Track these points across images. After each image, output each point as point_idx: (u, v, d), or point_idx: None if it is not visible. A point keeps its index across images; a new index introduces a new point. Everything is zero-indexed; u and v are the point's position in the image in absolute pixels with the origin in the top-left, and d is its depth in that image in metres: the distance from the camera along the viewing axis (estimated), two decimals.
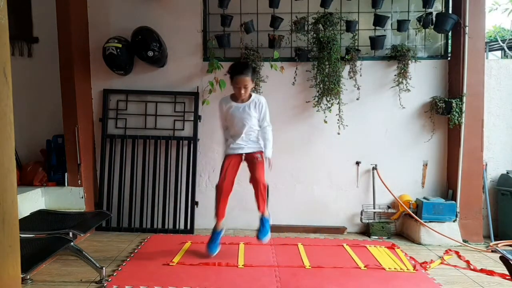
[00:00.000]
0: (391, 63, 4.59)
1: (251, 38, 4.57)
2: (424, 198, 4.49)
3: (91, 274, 3.21)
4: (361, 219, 4.64)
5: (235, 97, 3.67)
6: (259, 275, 3.32)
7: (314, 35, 4.45)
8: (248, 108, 3.63)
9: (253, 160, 3.65)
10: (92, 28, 4.62)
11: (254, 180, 3.64)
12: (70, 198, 4.30)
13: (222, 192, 3.66)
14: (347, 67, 4.50)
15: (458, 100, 4.34)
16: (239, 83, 3.52)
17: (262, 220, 3.77)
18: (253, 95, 3.70)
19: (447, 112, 4.36)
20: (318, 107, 4.45)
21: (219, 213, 3.73)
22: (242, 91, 3.55)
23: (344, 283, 3.19)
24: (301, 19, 4.45)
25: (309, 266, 3.51)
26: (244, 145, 3.65)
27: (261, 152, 3.67)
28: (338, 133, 4.50)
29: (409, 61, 4.48)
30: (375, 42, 4.46)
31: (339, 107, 4.49)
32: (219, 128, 4.63)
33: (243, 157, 3.67)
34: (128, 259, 3.62)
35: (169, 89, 4.66)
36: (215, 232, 3.76)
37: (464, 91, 4.35)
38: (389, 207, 4.63)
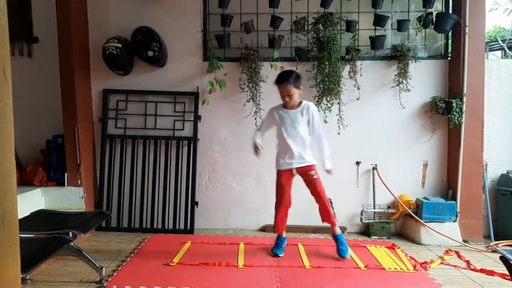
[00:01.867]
0: (391, 63, 4.58)
1: (251, 38, 4.57)
2: (424, 198, 4.49)
3: (91, 274, 3.21)
4: (361, 219, 4.63)
5: (285, 105, 3.68)
6: (259, 275, 3.32)
7: (314, 35, 4.45)
8: (299, 114, 3.64)
9: (307, 178, 3.67)
10: (92, 28, 4.62)
11: (315, 195, 3.68)
12: (70, 198, 4.30)
13: (281, 206, 3.77)
14: (347, 67, 4.50)
15: (458, 100, 4.34)
16: (281, 91, 3.59)
17: (337, 239, 3.75)
18: (304, 102, 3.70)
19: (447, 112, 4.36)
20: (318, 107, 4.44)
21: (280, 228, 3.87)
22: (287, 99, 3.59)
23: (344, 283, 3.19)
24: (301, 19, 4.45)
25: (309, 266, 3.51)
26: (295, 159, 3.64)
27: (312, 167, 3.68)
28: (338, 133, 4.50)
29: (409, 61, 4.48)
30: (375, 42, 4.46)
31: (339, 107, 4.49)
32: (219, 128, 4.67)
33: (294, 172, 3.70)
34: (128, 259, 3.62)
35: (169, 89, 4.66)
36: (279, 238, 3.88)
37: (464, 91, 4.35)
38: (389, 207, 4.63)
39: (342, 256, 3.66)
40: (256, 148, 3.70)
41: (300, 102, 3.68)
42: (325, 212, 3.69)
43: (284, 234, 3.89)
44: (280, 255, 3.75)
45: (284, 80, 3.57)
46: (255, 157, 3.75)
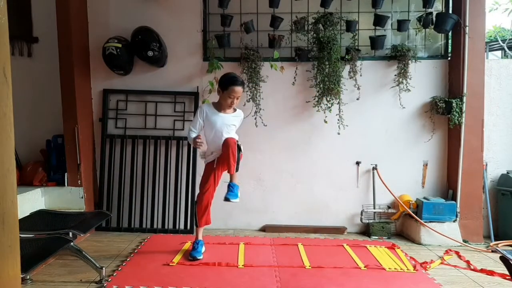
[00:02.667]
0: (391, 63, 4.58)
1: (251, 38, 4.57)
2: (424, 198, 4.49)
3: (91, 274, 3.21)
4: (361, 219, 4.63)
5: (219, 107, 3.64)
6: (259, 275, 3.32)
7: (314, 35, 4.44)
8: (232, 119, 3.66)
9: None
10: (92, 28, 4.62)
11: (223, 146, 3.52)
12: (70, 198, 4.30)
13: (208, 201, 3.69)
14: (347, 67, 4.50)
15: (458, 100, 4.34)
16: (235, 94, 3.53)
17: (231, 186, 3.71)
18: (237, 109, 3.75)
19: (447, 112, 4.36)
20: (318, 107, 4.44)
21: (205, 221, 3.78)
22: (235, 102, 3.58)
23: (344, 283, 3.19)
24: (301, 19, 4.45)
25: (309, 266, 3.51)
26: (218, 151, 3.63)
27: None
28: (338, 133, 4.50)
29: (409, 61, 4.48)
30: (375, 42, 4.46)
31: (339, 107, 4.49)
32: None
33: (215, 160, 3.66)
34: (128, 259, 3.62)
35: (169, 89, 4.65)
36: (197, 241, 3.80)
37: (464, 91, 4.35)
38: (389, 207, 4.63)
39: (228, 198, 3.67)
40: (195, 140, 3.57)
41: (234, 109, 3.72)
42: (230, 154, 3.47)
43: (201, 237, 3.82)
44: (199, 258, 3.64)
45: (239, 83, 3.54)
46: (198, 147, 3.65)
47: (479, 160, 4.43)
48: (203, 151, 3.81)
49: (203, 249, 3.78)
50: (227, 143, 3.49)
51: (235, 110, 3.72)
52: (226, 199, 3.69)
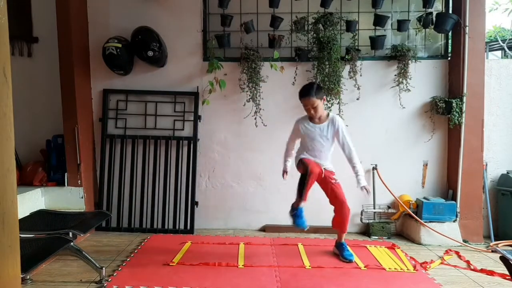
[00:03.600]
0: (391, 63, 4.58)
1: (251, 38, 4.57)
2: (424, 198, 4.49)
3: (91, 274, 3.21)
4: (361, 219, 4.63)
5: (312, 118, 3.64)
6: (259, 275, 3.32)
7: (314, 35, 4.45)
8: (326, 128, 3.60)
9: (330, 180, 3.63)
10: (92, 28, 4.62)
11: (337, 201, 3.64)
12: (70, 198, 4.30)
13: (312, 173, 3.48)
14: (347, 67, 4.50)
15: (458, 100, 4.34)
16: (305, 105, 3.54)
17: (342, 246, 3.77)
18: (331, 114, 3.67)
19: (447, 112, 4.36)
20: None
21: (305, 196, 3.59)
22: (312, 112, 3.54)
23: (344, 283, 3.19)
24: (301, 19, 4.45)
25: (309, 266, 3.51)
26: (322, 162, 3.62)
27: (333, 173, 3.69)
28: None
29: (409, 61, 4.48)
30: (375, 42, 4.46)
31: (339, 107, 4.49)
32: (219, 128, 4.66)
33: (323, 170, 3.59)
34: (128, 259, 3.62)
35: (169, 89, 4.65)
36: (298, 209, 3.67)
37: (464, 91, 4.35)
38: (389, 207, 4.63)
39: (349, 259, 3.64)
40: (284, 174, 3.83)
41: (328, 114, 3.65)
42: (343, 218, 3.65)
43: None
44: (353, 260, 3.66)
45: (306, 93, 3.52)
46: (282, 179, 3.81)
47: (479, 160, 4.43)
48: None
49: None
50: (342, 202, 3.62)
51: (328, 116, 3.63)
52: (346, 260, 3.67)
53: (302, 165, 3.58)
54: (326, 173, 3.62)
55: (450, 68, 4.59)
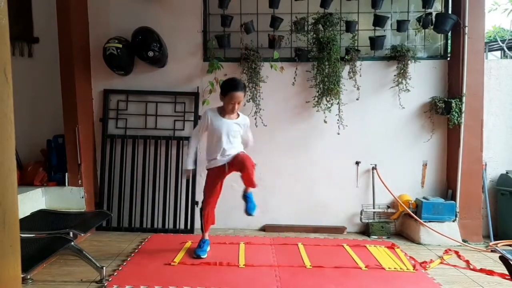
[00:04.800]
0: (391, 63, 4.59)
1: (251, 39, 4.57)
2: (424, 198, 4.50)
3: (91, 274, 3.21)
4: (360, 219, 4.64)
5: (223, 112, 3.64)
6: (260, 275, 3.33)
7: (314, 35, 4.45)
8: (236, 125, 3.65)
9: (234, 157, 3.61)
10: (93, 28, 4.63)
11: (241, 164, 3.54)
12: (71, 198, 4.31)
13: (211, 203, 3.75)
14: (347, 67, 4.51)
15: (458, 100, 4.35)
16: (235, 99, 3.53)
17: (248, 197, 3.78)
18: (241, 114, 3.75)
19: (447, 112, 4.37)
20: (318, 107, 4.45)
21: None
22: (236, 107, 3.58)
23: (344, 283, 3.19)
24: (301, 20, 4.46)
25: (310, 265, 3.52)
26: (225, 158, 3.64)
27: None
28: (338, 133, 4.50)
29: (409, 61, 4.49)
30: (375, 43, 4.46)
31: (339, 107, 4.50)
32: None
33: (226, 167, 3.65)
34: (128, 259, 3.63)
35: (169, 89, 4.66)
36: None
37: (464, 91, 4.36)
38: (388, 207, 4.64)
39: (250, 213, 3.69)
40: (187, 173, 3.83)
41: (238, 114, 3.70)
42: (250, 174, 3.56)
43: (208, 236, 3.87)
44: (203, 257, 3.67)
45: (240, 87, 3.54)
46: (184, 177, 3.81)
47: (478, 160, 4.43)
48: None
49: (208, 248, 3.80)
50: (245, 164, 3.50)
51: (238, 115, 3.71)
52: (249, 214, 3.71)
53: (207, 182, 3.79)
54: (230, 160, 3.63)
55: (450, 68, 4.60)
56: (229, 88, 3.54)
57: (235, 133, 3.65)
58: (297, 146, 4.68)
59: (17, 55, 4.63)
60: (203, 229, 3.86)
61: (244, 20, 4.48)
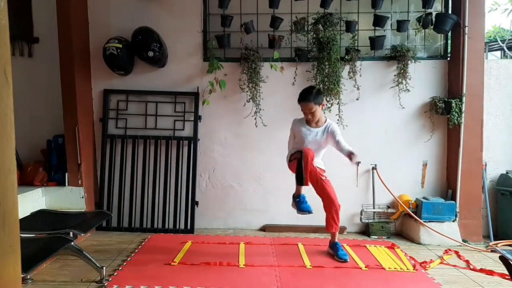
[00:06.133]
0: (391, 63, 4.59)
1: (251, 39, 4.57)
2: (424, 198, 4.50)
3: (91, 274, 3.22)
4: (360, 219, 4.64)
5: (309, 122, 3.68)
6: (260, 275, 3.33)
7: (314, 35, 4.45)
8: (321, 133, 3.64)
9: (319, 176, 3.61)
10: (93, 28, 4.63)
11: (324, 195, 3.61)
12: (71, 198, 4.31)
13: (308, 156, 3.47)
14: (347, 67, 4.51)
15: (458, 100, 4.35)
16: (303, 109, 3.58)
17: (336, 246, 3.74)
18: (328, 120, 3.72)
19: (447, 112, 4.37)
20: None
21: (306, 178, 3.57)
22: (309, 116, 3.59)
23: (345, 283, 3.19)
24: (301, 20, 4.46)
25: (310, 266, 3.52)
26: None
27: (323, 170, 3.71)
28: None
29: (409, 61, 4.49)
30: (375, 43, 4.46)
31: (339, 107, 4.49)
32: (219, 128, 4.67)
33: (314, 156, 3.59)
34: (128, 259, 3.63)
35: (169, 89, 4.66)
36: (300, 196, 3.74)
37: (464, 91, 4.35)
38: (388, 207, 4.64)
39: (344, 259, 3.61)
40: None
41: (325, 120, 3.69)
42: (332, 216, 3.63)
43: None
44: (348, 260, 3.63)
45: (304, 98, 3.56)
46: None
47: (478, 160, 4.43)
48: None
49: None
50: (330, 204, 3.57)
51: (325, 121, 3.69)
52: (342, 260, 3.63)
53: (294, 154, 3.62)
54: (317, 170, 3.62)
55: (450, 68, 4.60)
56: (298, 99, 3.62)
57: (319, 142, 3.63)
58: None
59: (17, 55, 4.64)
60: (302, 183, 3.57)
61: (244, 20, 4.48)
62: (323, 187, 3.63)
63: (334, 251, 3.73)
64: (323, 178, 3.66)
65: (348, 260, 3.61)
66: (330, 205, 3.63)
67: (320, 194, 3.67)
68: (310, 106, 3.54)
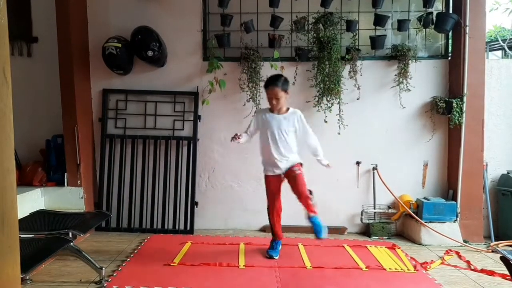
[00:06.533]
0: (392, 62, 4.58)
1: (251, 38, 4.56)
2: (425, 198, 4.49)
3: (90, 275, 3.20)
4: (361, 219, 4.63)
5: (272, 109, 3.67)
6: (260, 275, 3.31)
7: (314, 34, 4.44)
8: (285, 120, 3.63)
9: (292, 174, 3.60)
10: (92, 28, 4.61)
11: (297, 194, 3.60)
12: (70, 198, 4.30)
13: (274, 213, 3.73)
14: (348, 67, 4.49)
15: (459, 100, 4.34)
16: (269, 94, 3.59)
17: (311, 220, 3.64)
18: (291, 108, 3.71)
19: (448, 112, 4.36)
20: (318, 107, 4.44)
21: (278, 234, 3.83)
22: (274, 102, 3.59)
23: (345, 284, 3.18)
24: (301, 19, 4.44)
25: (310, 266, 3.51)
26: (280, 163, 3.60)
27: (298, 165, 3.64)
28: (339, 133, 4.49)
29: (410, 61, 4.48)
30: (376, 42, 4.46)
31: (340, 107, 4.48)
32: (219, 128, 4.66)
33: (283, 177, 3.65)
34: (128, 259, 3.62)
35: (168, 89, 4.65)
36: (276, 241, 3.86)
37: (465, 91, 4.35)
38: (389, 207, 4.63)
39: (318, 236, 3.55)
40: (235, 136, 3.67)
41: (288, 108, 3.68)
42: (305, 205, 3.58)
43: (282, 237, 3.88)
44: (276, 257, 3.71)
45: (272, 83, 3.57)
46: (232, 141, 3.69)
47: (479, 160, 4.42)
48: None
49: (280, 247, 3.84)
50: (299, 188, 3.55)
51: (288, 110, 3.68)
52: (317, 237, 3.55)
53: (266, 189, 3.77)
54: (289, 171, 3.61)
55: (451, 68, 4.59)
56: (265, 84, 3.68)
57: (284, 128, 3.60)
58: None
59: (16, 54, 4.62)
60: (273, 231, 3.82)
61: (244, 19, 4.46)
62: (294, 181, 3.58)
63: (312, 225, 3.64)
64: (296, 172, 3.59)
65: (324, 238, 3.55)
66: (300, 198, 3.58)
67: (292, 188, 3.62)
68: (276, 91, 3.55)
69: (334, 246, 4.11)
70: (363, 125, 4.62)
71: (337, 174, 4.67)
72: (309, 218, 3.61)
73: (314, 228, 3.56)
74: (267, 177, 3.73)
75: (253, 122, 3.76)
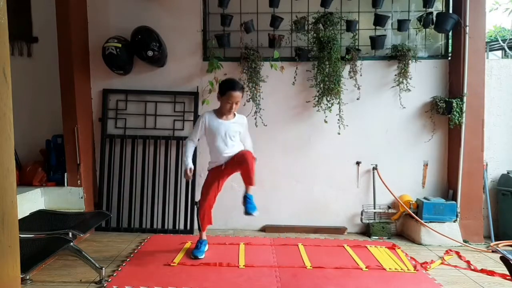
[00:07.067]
0: (392, 62, 4.58)
1: (251, 38, 4.56)
2: (425, 198, 4.49)
3: (90, 275, 3.20)
4: (361, 219, 4.63)
5: (220, 113, 3.64)
6: (260, 275, 3.31)
7: (314, 34, 4.44)
8: (234, 125, 3.64)
9: (234, 155, 3.61)
10: (92, 28, 4.61)
11: (240, 158, 3.54)
12: (70, 198, 4.30)
13: (205, 205, 3.73)
14: (348, 67, 4.49)
15: (459, 100, 4.34)
16: (233, 99, 3.52)
17: (248, 198, 3.64)
18: (237, 114, 3.72)
19: (448, 112, 4.36)
20: (318, 107, 4.44)
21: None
22: (233, 107, 3.56)
23: (345, 284, 3.18)
24: (301, 19, 4.44)
25: (310, 266, 3.51)
26: (223, 158, 3.64)
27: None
28: (339, 133, 4.49)
29: (410, 61, 4.47)
30: (376, 42, 4.45)
31: (339, 107, 4.48)
32: None
33: (223, 165, 3.66)
34: (128, 260, 3.62)
35: (168, 89, 4.65)
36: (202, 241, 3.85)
37: (465, 91, 4.34)
38: (389, 207, 4.63)
39: (249, 212, 3.55)
40: (187, 172, 3.65)
41: (234, 114, 3.70)
42: (250, 170, 3.52)
43: (205, 236, 3.88)
44: (200, 257, 3.67)
45: (237, 87, 3.54)
46: (186, 178, 3.73)
47: (479, 160, 4.42)
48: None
49: (206, 248, 3.80)
50: (245, 158, 3.49)
51: (235, 115, 3.70)
52: (248, 213, 3.57)
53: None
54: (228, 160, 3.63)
55: (451, 68, 4.59)
56: (227, 87, 3.54)
57: (234, 133, 3.65)
58: (297, 146, 4.67)
59: (16, 54, 4.62)
60: (200, 229, 3.85)
61: (244, 19, 4.46)
62: (236, 156, 3.60)
63: (244, 203, 3.64)
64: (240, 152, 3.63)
65: (255, 214, 3.55)
66: (245, 162, 3.53)
67: (236, 164, 3.61)
68: (239, 96, 3.56)
69: (334, 246, 4.11)
70: (363, 125, 4.62)
71: (337, 174, 4.67)
72: (246, 195, 3.61)
73: (248, 206, 3.57)
74: (210, 171, 3.77)
75: (199, 130, 3.68)
